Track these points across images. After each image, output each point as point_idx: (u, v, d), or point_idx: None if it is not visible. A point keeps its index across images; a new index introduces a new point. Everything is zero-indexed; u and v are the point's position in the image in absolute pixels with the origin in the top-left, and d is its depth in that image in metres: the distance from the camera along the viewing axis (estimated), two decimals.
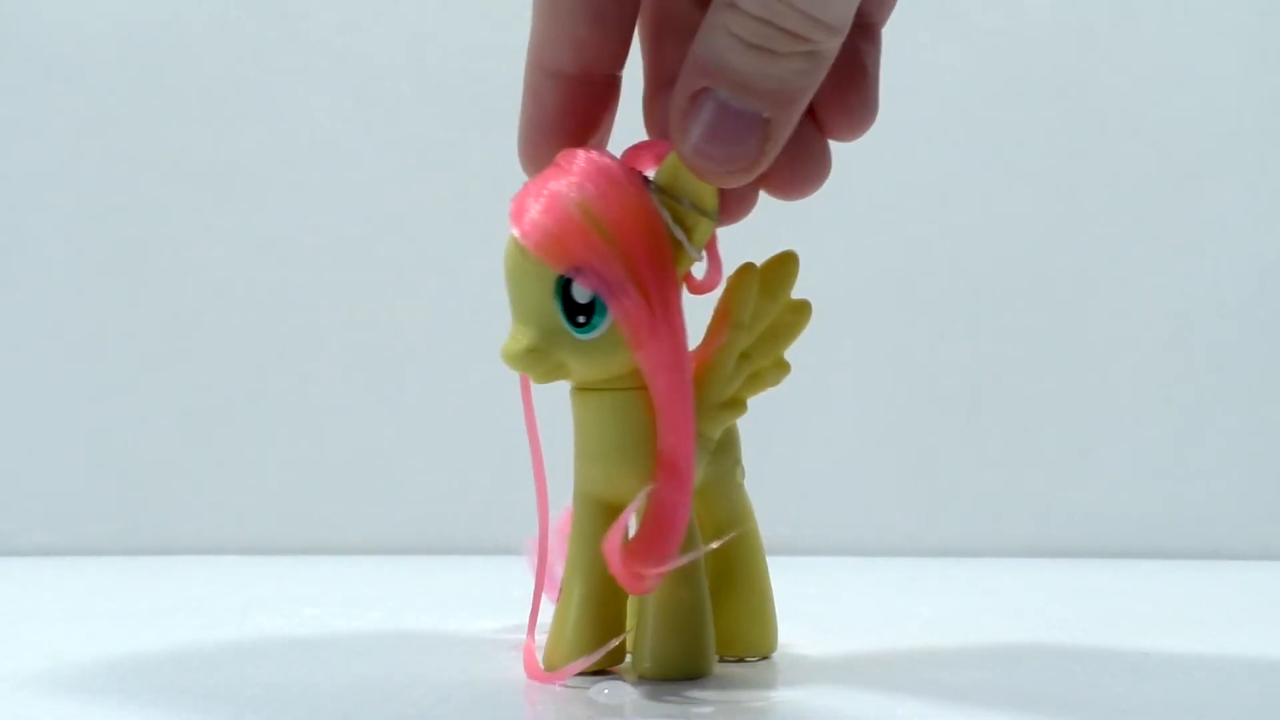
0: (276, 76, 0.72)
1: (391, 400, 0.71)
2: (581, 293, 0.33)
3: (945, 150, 0.73)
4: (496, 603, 0.49)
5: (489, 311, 0.71)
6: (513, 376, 0.35)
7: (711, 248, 0.36)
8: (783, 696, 0.35)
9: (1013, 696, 0.35)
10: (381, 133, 0.72)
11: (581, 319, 0.34)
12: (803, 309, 0.37)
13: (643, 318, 0.33)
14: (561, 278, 0.33)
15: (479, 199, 0.71)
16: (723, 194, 0.35)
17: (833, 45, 0.32)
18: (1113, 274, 0.73)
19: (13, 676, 0.37)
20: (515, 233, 0.34)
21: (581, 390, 0.36)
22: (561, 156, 0.35)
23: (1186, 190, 0.73)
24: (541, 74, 0.37)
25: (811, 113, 0.36)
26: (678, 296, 0.34)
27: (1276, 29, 0.73)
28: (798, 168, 0.37)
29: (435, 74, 0.71)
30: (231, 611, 0.49)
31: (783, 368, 0.38)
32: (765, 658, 0.39)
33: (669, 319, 0.34)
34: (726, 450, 0.39)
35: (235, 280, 0.71)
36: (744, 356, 0.37)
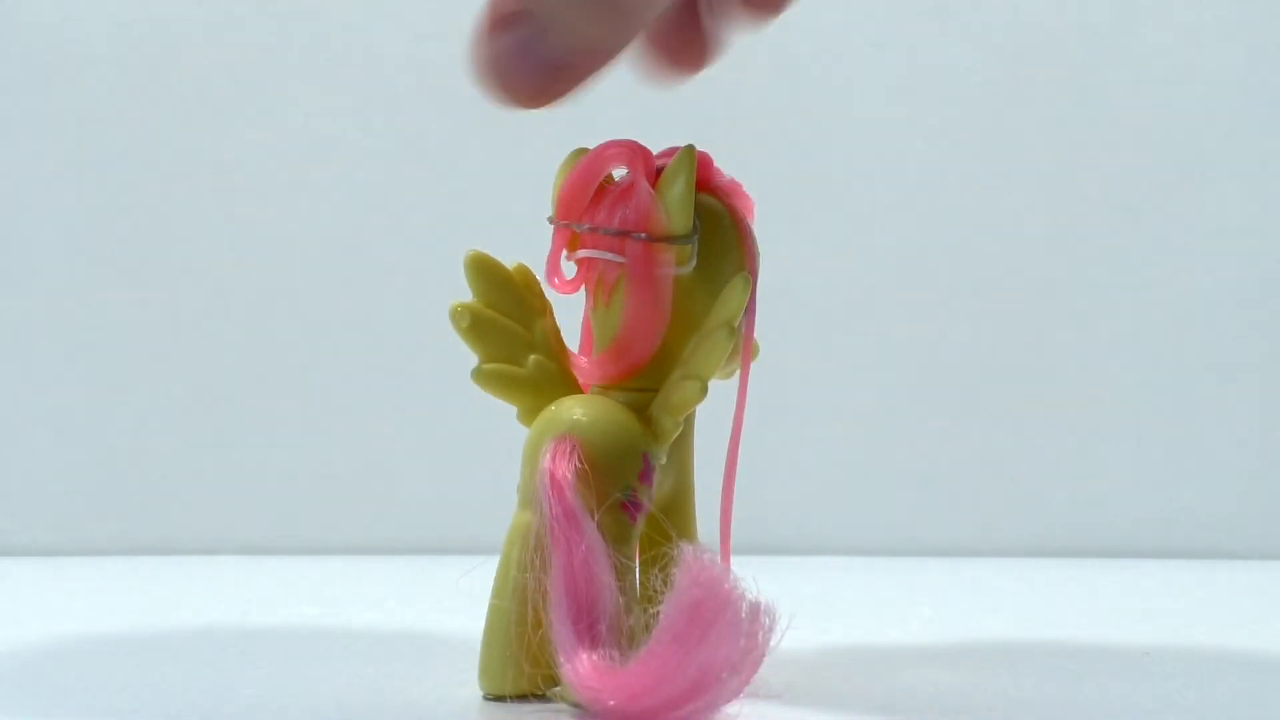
0: (276, 76, 0.72)
1: (391, 400, 0.71)
2: None
3: (945, 149, 0.73)
4: None
5: None
6: None
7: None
8: (782, 696, 0.35)
9: (1013, 696, 0.35)
10: (382, 133, 0.72)
11: None
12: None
13: None
14: None
15: (480, 199, 0.71)
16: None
17: (661, 7, 0.32)
18: (1113, 273, 0.73)
19: (13, 676, 0.37)
20: None
21: None
22: None
23: (1186, 190, 0.73)
24: None
25: None
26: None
27: (1277, 29, 0.73)
28: (682, 49, 0.37)
29: (436, 74, 0.71)
30: (231, 611, 0.49)
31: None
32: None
33: None
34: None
35: (235, 280, 0.71)
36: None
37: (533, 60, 0.32)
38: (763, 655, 0.30)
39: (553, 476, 0.33)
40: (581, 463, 0.33)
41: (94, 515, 0.70)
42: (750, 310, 0.35)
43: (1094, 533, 0.72)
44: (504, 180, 0.70)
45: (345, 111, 0.72)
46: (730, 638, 0.30)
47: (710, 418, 0.37)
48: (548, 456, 0.33)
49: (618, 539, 0.33)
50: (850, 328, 0.72)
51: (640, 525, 0.34)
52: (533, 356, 0.36)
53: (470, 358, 0.36)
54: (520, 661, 0.33)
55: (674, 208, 0.34)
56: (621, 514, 0.33)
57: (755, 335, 0.37)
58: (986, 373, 0.73)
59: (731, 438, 0.36)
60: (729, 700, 0.30)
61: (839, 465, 0.72)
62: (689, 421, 0.37)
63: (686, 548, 0.31)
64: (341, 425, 0.71)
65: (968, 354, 0.73)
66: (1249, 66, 0.73)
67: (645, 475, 0.34)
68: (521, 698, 0.33)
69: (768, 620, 0.30)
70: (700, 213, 0.35)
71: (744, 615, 0.30)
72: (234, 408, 0.71)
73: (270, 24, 0.72)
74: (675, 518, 0.36)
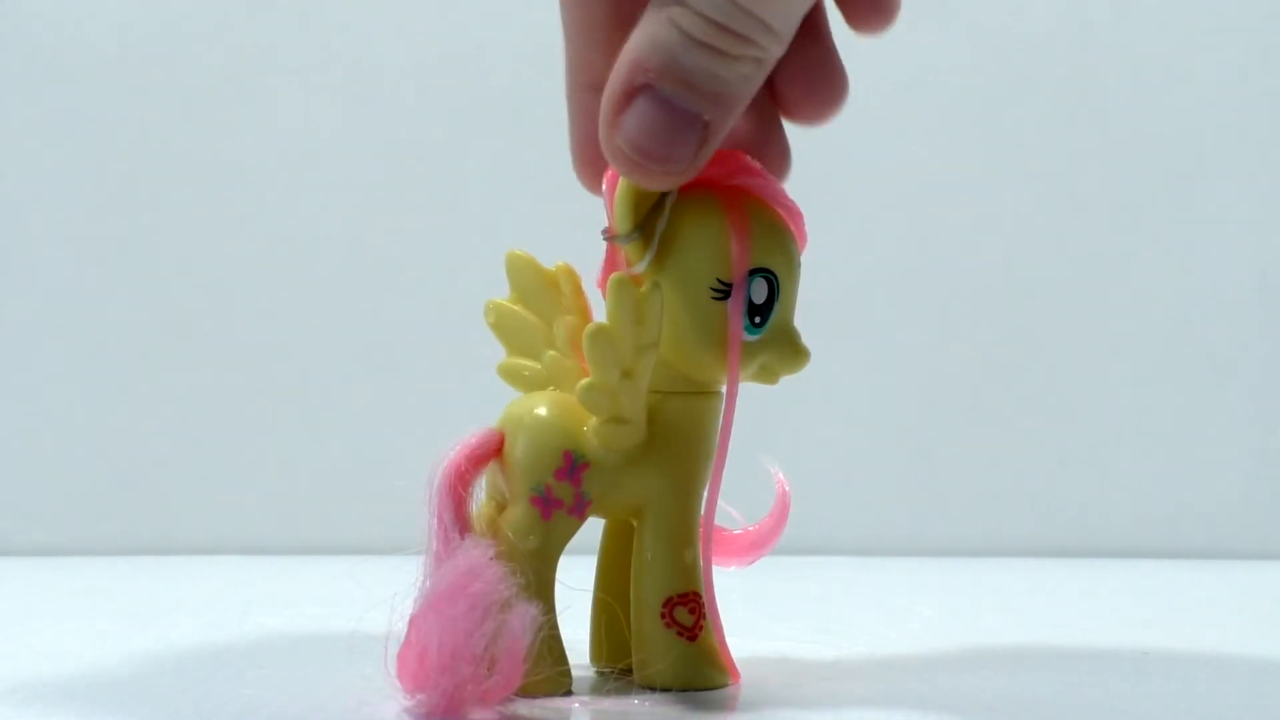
0: (276, 76, 0.72)
1: (391, 400, 0.71)
2: None
3: (945, 150, 0.73)
4: None
5: None
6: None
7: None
8: (781, 696, 0.35)
9: (1014, 696, 0.35)
10: (381, 134, 0.72)
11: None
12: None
13: None
14: None
15: (479, 199, 0.71)
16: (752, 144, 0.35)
17: (776, 53, 0.32)
18: (1113, 274, 0.73)
19: (13, 676, 0.37)
20: None
21: None
22: None
23: (1186, 190, 0.73)
24: (584, 90, 0.36)
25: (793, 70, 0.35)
26: None
27: (1277, 29, 0.73)
28: (815, 86, 0.36)
29: (435, 75, 0.71)
30: (231, 611, 0.49)
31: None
32: None
33: None
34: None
35: (235, 281, 0.71)
36: None
37: (670, 127, 0.31)
38: (518, 655, 0.31)
39: (444, 469, 0.35)
40: (481, 459, 0.35)
41: (94, 515, 0.70)
42: (736, 313, 0.35)
43: (1094, 533, 0.72)
44: (503, 182, 0.70)
45: (345, 112, 0.72)
46: (465, 630, 0.30)
47: None
48: (455, 449, 0.35)
49: (525, 532, 0.34)
50: (851, 329, 0.72)
51: (558, 521, 0.34)
52: (549, 353, 0.36)
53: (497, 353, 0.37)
54: None
55: (616, 209, 0.34)
56: (532, 508, 0.34)
57: (805, 341, 0.37)
58: (987, 374, 0.73)
59: (721, 438, 0.36)
60: (488, 697, 0.30)
61: (839, 465, 0.72)
62: (683, 431, 0.36)
63: (468, 539, 0.32)
64: (341, 425, 0.71)
65: (968, 355, 0.73)
66: (1249, 66, 0.73)
67: (564, 473, 0.34)
68: None
69: (519, 621, 0.31)
70: (678, 214, 0.35)
71: (488, 611, 0.31)
72: (233, 408, 0.71)
73: (272, 26, 0.72)
74: (657, 524, 0.36)
